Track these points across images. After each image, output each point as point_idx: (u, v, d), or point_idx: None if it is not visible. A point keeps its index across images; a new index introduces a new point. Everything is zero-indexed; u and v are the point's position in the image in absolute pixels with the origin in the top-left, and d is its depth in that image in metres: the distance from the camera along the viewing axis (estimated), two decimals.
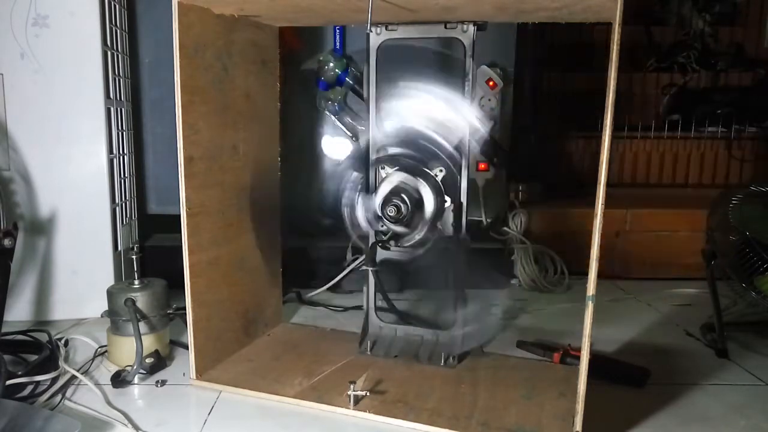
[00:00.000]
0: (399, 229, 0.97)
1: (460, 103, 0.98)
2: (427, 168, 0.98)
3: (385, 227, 0.99)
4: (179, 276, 0.94)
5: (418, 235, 0.98)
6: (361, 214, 0.99)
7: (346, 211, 0.99)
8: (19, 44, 1.18)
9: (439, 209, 0.98)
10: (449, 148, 0.96)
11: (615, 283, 1.63)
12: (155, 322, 1.05)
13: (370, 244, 1.06)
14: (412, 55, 1.13)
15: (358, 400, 0.89)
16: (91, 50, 1.21)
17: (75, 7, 1.19)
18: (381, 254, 1.06)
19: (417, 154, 0.98)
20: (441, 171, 0.98)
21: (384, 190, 0.96)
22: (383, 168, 1.00)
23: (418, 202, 0.96)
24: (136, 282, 1.05)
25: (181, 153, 0.91)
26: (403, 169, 0.98)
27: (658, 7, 2.08)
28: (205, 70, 0.95)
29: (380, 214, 0.96)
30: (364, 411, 0.87)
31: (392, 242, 1.02)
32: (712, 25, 2.04)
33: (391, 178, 0.98)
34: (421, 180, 0.97)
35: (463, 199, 1.00)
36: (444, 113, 0.97)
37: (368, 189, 1.02)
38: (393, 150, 1.00)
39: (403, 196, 0.94)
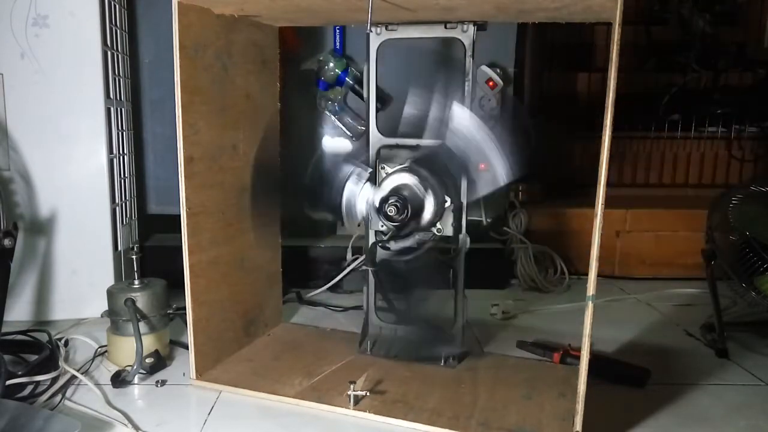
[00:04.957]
0: (399, 229, 0.97)
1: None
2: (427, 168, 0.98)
3: (384, 227, 0.99)
4: (179, 276, 0.94)
5: (418, 235, 0.98)
6: (360, 204, 0.98)
7: (343, 201, 0.98)
8: (19, 44, 1.18)
9: (440, 209, 0.98)
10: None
11: (615, 283, 1.63)
12: (155, 322, 1.05)
13: (370, 244, 1.06)
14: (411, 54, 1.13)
15: (358, 400, 0.88)
16: (91, 50, 1.21)
17: (75, 7, 1.19)
18: (381, 254, 1.06)
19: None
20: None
21: (384, 189, 0.96)
22: (383, 168, 1.00)
23: (418, 202, 0.96)
24: (136, 282, 1.05)
25: (181, 153, 0.91)
26: (403, 168, 0.98)
27: (658, 7, 2.08)
28: (205, 70, 0.95)
29: (380, 215, 0.95)
30: (364, 411, 0.87)
31: (392, 242, 1.02)
32: (712, 25, 2.03)
33: (392, 178, 0.97)
34: (421, 179, 0.96)
35: (463, 199, 1.00)
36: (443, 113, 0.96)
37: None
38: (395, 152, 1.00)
39: (405, 194, 0.94)
